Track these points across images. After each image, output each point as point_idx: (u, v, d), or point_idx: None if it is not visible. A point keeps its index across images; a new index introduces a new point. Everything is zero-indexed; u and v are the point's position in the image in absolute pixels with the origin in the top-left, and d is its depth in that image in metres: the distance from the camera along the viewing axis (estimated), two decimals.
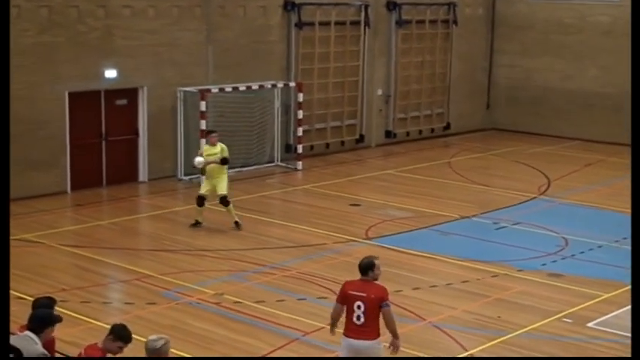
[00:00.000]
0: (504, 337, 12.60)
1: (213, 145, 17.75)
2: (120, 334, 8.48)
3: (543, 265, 15.96)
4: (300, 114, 23.93)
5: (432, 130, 28.83)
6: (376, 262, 9.95)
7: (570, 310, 13.68)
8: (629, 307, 13.90)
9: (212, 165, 17.58)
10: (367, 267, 9.90)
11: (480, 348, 12.25)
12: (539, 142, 27.94)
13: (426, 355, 11.84)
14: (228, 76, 22.90)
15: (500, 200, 20.69)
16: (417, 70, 28.13)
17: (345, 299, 9.92)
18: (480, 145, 27.81)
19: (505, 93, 30.38)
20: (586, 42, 28.46)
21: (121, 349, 8.49)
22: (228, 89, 22.53)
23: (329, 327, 10.45)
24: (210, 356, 11.93)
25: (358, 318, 9.77)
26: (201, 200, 17.75)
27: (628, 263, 15.92)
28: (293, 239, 17.23)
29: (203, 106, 21.55)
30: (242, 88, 22.78)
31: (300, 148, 23.90)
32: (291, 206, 18.24)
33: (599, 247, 17.15)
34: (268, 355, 11.87)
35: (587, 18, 28.53)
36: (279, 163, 23.97)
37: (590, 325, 13.20)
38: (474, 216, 19.26)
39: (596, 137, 27.52)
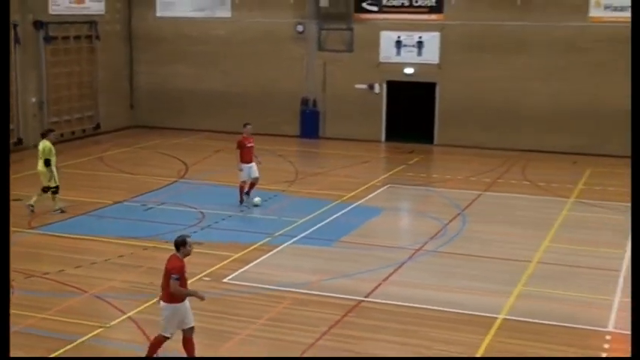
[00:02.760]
0: (156, 299, 12.73)
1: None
2: None
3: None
4: None
5: (84, 131, 28.14)
6: (188, 239, 10.29)
7: (209, 271, 14.13)
8: (255, 262, 14.76)
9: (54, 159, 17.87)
10: (177, 244, 10.30)
11: (136, 310, 12.31)
12: (178, 135, 28.34)
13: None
14: None
15: (148, 185, 20.75)
16: (67, 79, 27.29)
17: None
18: (127, 141, 27.61)
19: (146, 95, 30.42)
20: (210, 51, 29.26)
21: None
22: None
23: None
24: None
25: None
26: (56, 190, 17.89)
27: (251, 227, 16.90)
28: None
29: None
30: None
31: None
32: None
33: (230, 216, 17.84)
34: None
35: (209, 31, 29.30)
36: None
37: (225, 280, 13.75)
38: (125, 200, 19.16)
39: (224, 128, 28.30)
